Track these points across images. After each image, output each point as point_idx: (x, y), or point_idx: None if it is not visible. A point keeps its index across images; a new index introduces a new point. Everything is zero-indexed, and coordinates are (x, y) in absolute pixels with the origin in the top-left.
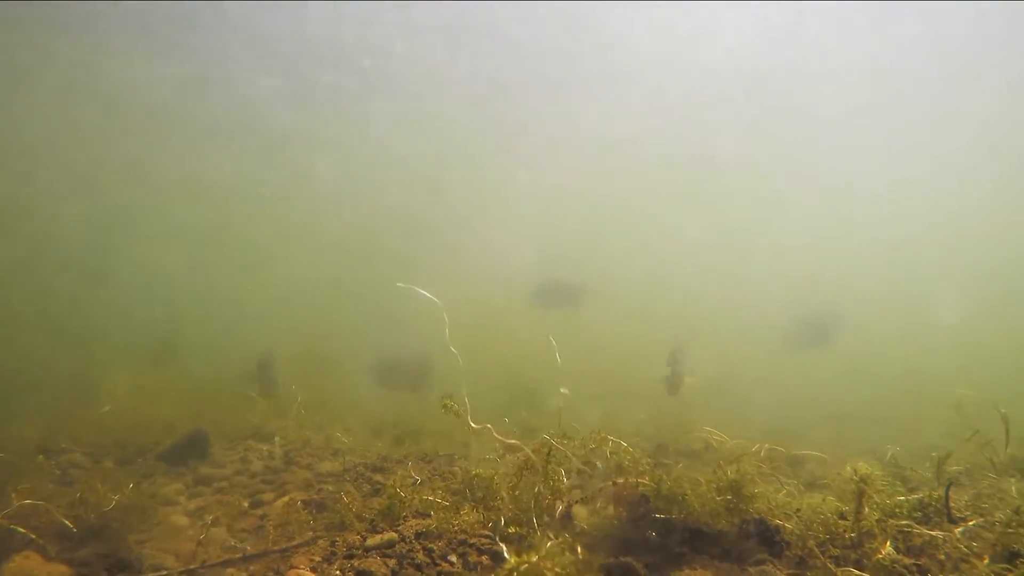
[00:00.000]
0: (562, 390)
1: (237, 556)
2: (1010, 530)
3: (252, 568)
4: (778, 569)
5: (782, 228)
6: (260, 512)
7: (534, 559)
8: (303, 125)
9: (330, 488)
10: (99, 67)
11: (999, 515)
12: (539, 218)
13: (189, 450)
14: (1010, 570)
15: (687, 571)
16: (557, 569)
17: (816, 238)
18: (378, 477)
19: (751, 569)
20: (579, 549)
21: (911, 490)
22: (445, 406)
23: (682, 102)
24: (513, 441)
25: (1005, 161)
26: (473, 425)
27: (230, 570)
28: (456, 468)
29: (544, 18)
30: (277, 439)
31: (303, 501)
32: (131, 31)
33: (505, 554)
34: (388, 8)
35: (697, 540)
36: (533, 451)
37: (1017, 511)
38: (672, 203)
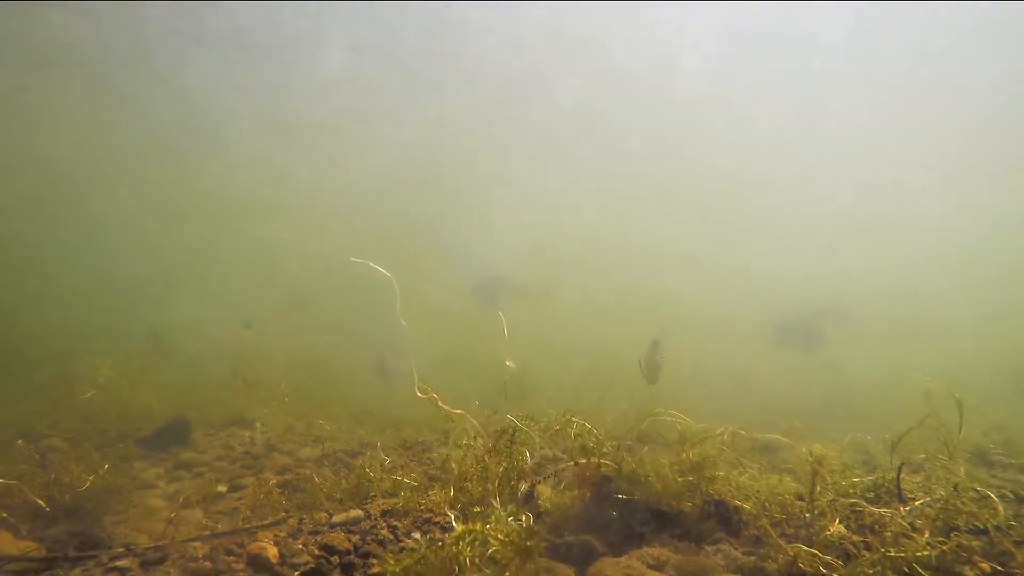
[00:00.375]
0: (508, 363)
1: (206, 533)
2: (949, 506)
3: (216, 543)
4: (734, 548)
5: (793, 225)
6: (238, 495)
7: (478, 527)
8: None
9: (308, 473)
10: None
11: (940, 492)
12: (540, 214)
13: (170, 436)
14: (944, 543)
15: (646, 549)
16: (500, 536)
17: (830, 234)
18: (357, 462)
19: (708, 548)
20: (524, 517)
21: (871, 472)
22: (420, 391)
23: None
24: (460, 411)
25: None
26: (444, 407)
27: (195, 544)
28: (435, 455)
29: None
30: (259, 425)
31: (279, 483)
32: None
33: (453, 523)
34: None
35: (659, 520)
36: (498, 433)
37: (956, 488)
38: (678, 198)
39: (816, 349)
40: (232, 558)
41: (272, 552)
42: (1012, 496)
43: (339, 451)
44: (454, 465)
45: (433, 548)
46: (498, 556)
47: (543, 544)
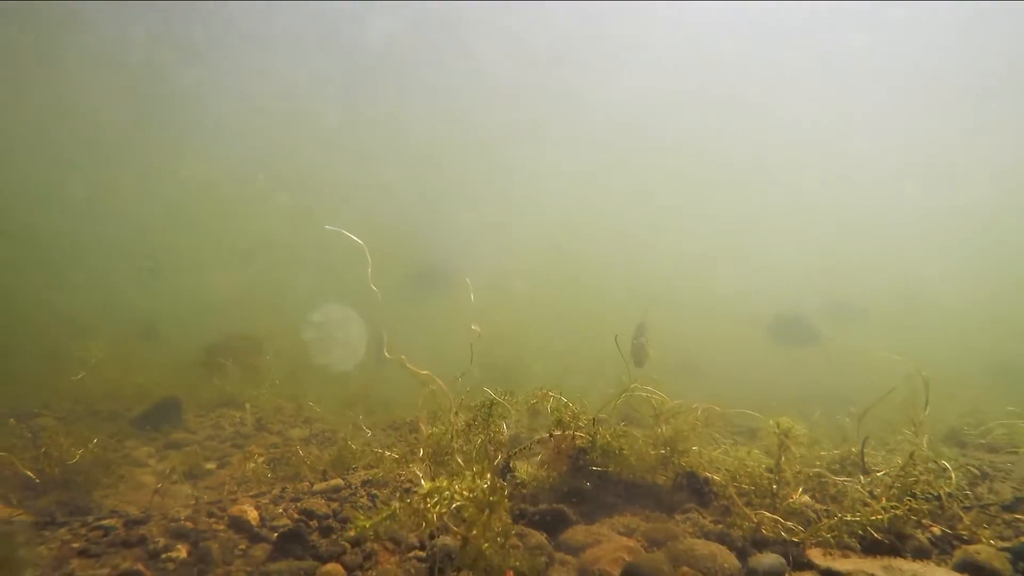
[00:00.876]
0: (473, 327)
1: (191, 503)
2: (905, 474)
3: (198, 506)
4: (704, 517)
5: (808, 217)
6: (226, 472)
7: (445, 484)
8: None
9: (300, 451)
10: None
11: (894, 461)
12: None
13: (161, 416)
14: (898, 508)
15: (618, 518)
16: (465, 492)
17: (835, 229)
18: (339, 435)
19: (679, 517)
20: (488, 476)
21: (841, 446)
22: (402, 363)
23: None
24: (426, 371)
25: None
26: (411, 368)
27: (177, 509)
28: (422, 433)
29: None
30: (248, 406)
31: (267, 459)
32: None
33: (422, 482)
34: None
35: (632, 492)
36: (476, 407)
37: (911, 456)
38: (689, 191)
39: (812, 345)
40: (213, 519)
41: (252, 515)
42: (976, 472)
43: (328, 431)
44: (423, 429)
45: (402, 505)
46: (464, 513)
47: (507, 502)
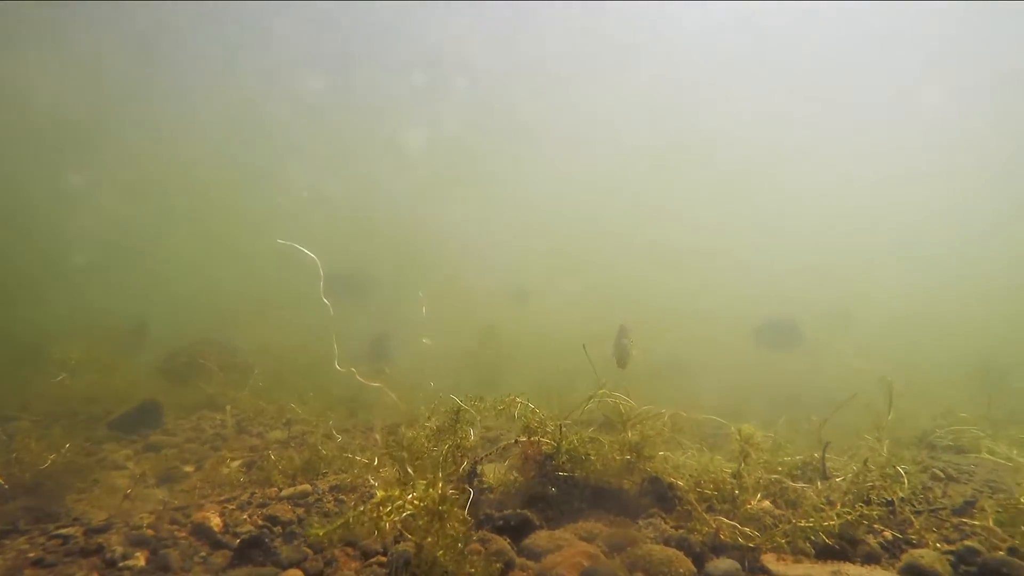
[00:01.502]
0: (424, 340)
1: (158, 509)
2: (859, 481)
3: (162, 513)
4: (666, 522)
5: (801, 222)
6: (202, 475)
7: (397, 493)
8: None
9: (272, 456)
10: None
11: (853, 467)
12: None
13: (141, 419)
14: (850, 513)
15: (581, 523)
16: (416, 502)
17: (836, 232)
18: (311, 440)
19: (641, 522)
20: (440, 485)
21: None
22: (380, 372)
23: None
24: (376, 384)
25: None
26: (360, 379)
27: (141, 514)
28: (401, 436)
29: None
30: (229, 408)
31: (243, 463)
32: None
33: (377, 491)
34: None
35: (598, 497)
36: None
37: (865, 463)
38: (686, 194)
39: (794, 348)
40: (175, 527)
41: (216, 521)
42: (942, 475)
43: (308, 432)
44: (413, 445)
45: (355, 513)
46: (417, 522)
47: (459, 511)
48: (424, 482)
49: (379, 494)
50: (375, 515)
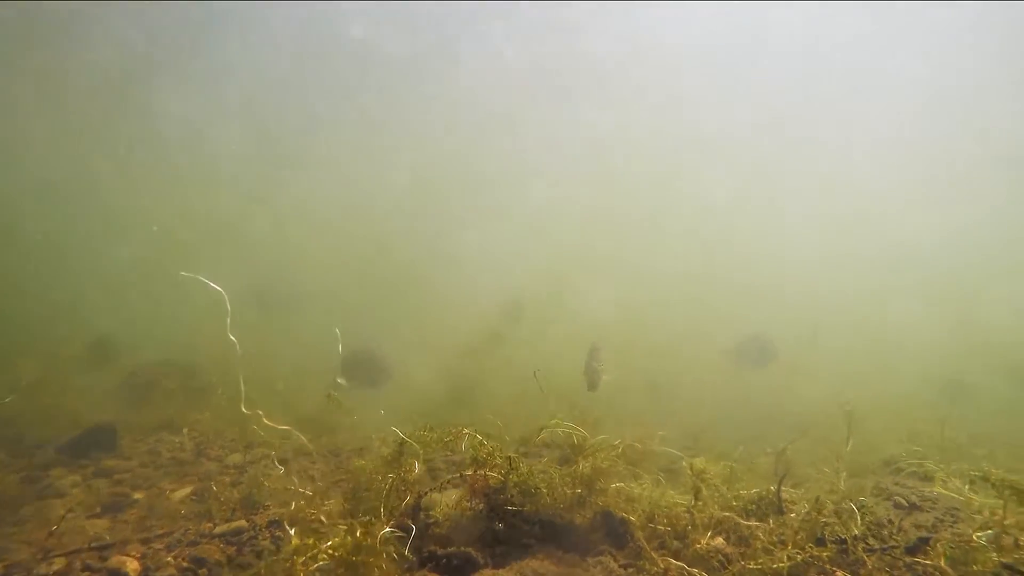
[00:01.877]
0: (339, 380)
1: (81, 547)
2: (811, 519)
3: (74, 557)
4: (616, 560)
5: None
6: (148, 504)
7: (311, 542)
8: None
9: (227, 481)
10: None
11: (804, 506)
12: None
13: (93, 442)
14: (800, 554)
15: (527, 561)
16: (331, 551)
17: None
18: (251, 472)
19: (591, 560)
20: (359, 531)
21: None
22: (329, 396)
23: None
24: (285, 427)
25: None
26: (268, 422)
27: (56, 556)
28: (363, 462)
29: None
30: (185, 431)
31: (192, 490)
32: None
33: (293, 538)
34: None
35: (548, 532)
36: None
37: (817, 501)
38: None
39: (766, 364)
40: (87, 573)
41: (132, 567)
42: (905, 503)
43: (265, 457)
44: (360, 477)
45: (267, 563)
46: (337, 571)
47: (397, 549)
48: (344, 526)
49: (293, 542)
50: (287, 565)
